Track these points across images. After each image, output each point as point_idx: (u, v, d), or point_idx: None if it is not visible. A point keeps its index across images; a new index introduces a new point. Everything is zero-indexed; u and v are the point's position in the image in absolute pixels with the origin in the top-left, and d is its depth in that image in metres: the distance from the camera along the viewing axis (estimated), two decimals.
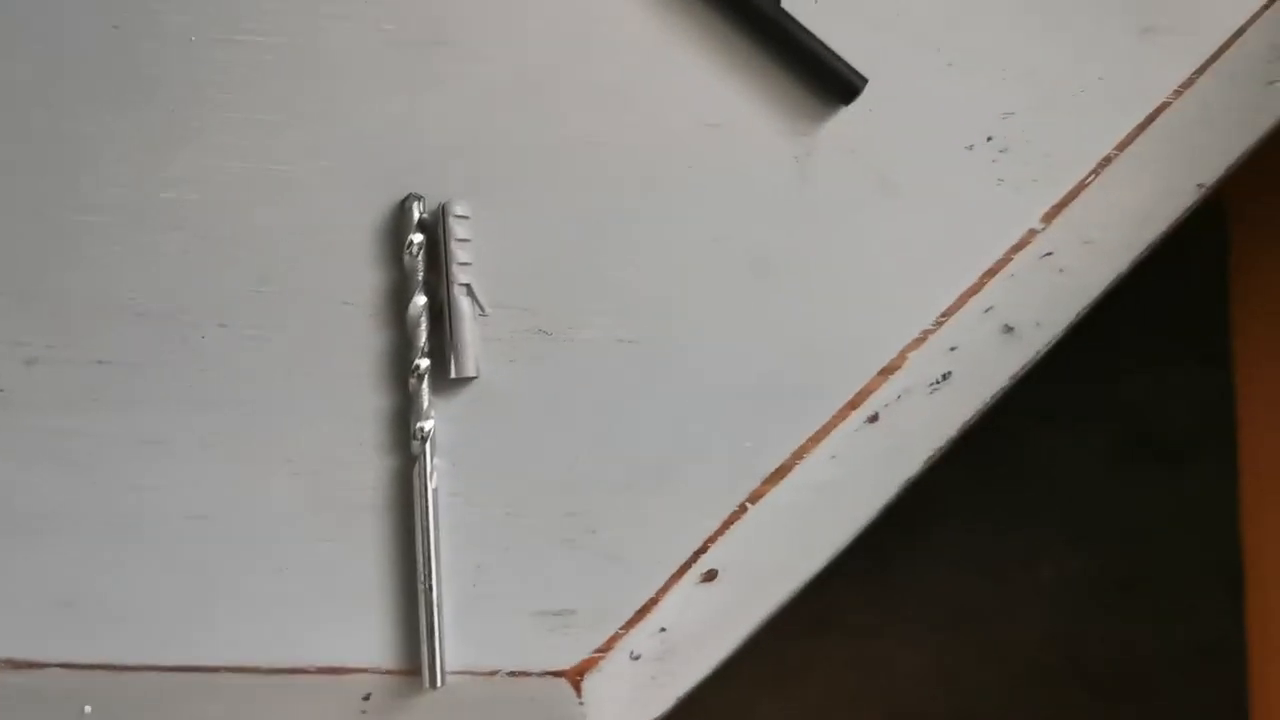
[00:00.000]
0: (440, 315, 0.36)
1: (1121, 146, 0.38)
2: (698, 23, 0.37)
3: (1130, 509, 1.10)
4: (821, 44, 0.37)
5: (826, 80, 0.37)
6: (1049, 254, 0.38)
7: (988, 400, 0.39)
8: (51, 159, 0.36)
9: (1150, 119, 0.38)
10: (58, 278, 0.36)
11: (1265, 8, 0.38)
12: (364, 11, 0.37)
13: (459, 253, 0.36)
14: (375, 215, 0.37)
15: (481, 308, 0.36)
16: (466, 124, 0.37)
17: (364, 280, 0.36)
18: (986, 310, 0.38)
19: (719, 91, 0.37)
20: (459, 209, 0.36)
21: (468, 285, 0.36)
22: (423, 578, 0.35)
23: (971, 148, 0.38)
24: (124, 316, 0.36)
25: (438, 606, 0.36)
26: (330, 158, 0.36)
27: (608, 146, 0.37)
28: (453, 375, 0.36)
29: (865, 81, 0.37)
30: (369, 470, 0.36)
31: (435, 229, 0.36)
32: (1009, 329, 0.38)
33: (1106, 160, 0.38)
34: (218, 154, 0.36)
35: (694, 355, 0.37)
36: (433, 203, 0.36)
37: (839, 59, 0.37)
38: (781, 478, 0.37)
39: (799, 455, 0.37)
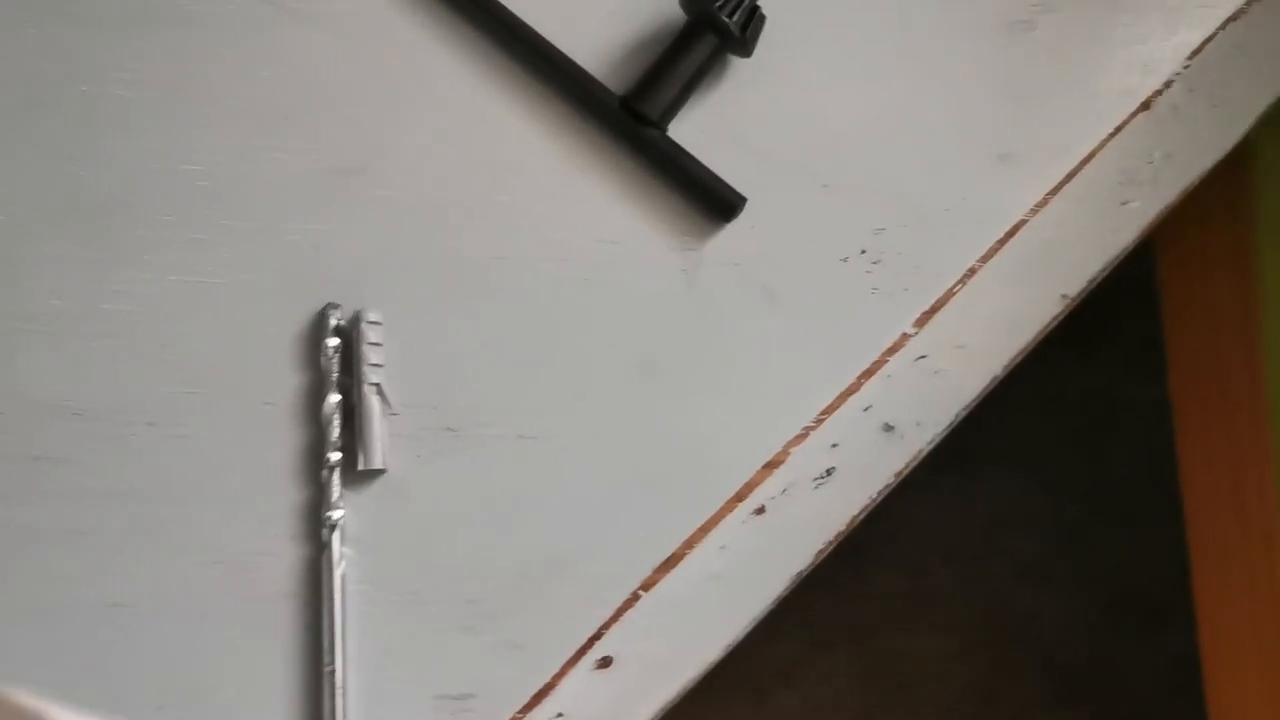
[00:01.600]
0: (352, 414, 0.39)
1: (985, 259, 0.42)
2: (595, 149, 0.41)
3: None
4: (705, 168, 0.41)
5: (710, 200, 0.41)
6: (923, 357, 0.41)
7: (873, 497, 0.41)
8: (1, 270, 0.39)
9: (1010, 234, 0.42)
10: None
11: (1111, 136, 0.42)
12: (289, 145, 0.41)
13: (370, 355, 0.39)
14: (296, 323, 0.40)
15: (390, 405, 0.39)
16: (381, 241, 0.40)
17: (284, 382, 0.39)
18: (865, 409, 0.41)
19: (613, 211, 0.41)
20: (372, 315, 0.39)
21: (378, 385, 0.39)
22: (328, 661, 0.37)
23: (846, 260, 0.41)
24: (60, 416, 0.39)
25: (342, 690, 0.37)
26: (256, 271, 0.40)
27: (510, 260, 0.41)
28: (361, 467, 0.38)
29: (744, 200, 0.40)
30: (283, 559, 0.38)
31: (350, 334, 0.39)
32: (889, 427, 0.41)
33: (972, 271, 0.42)
34: (155, 269, 0.40)
35: (590, 450, 0.40)
36: (349, 312, 0.40)
37: (721, 181, 0.40)
38: (673, 566, 0.39)
39: (689, 545, 0.40)
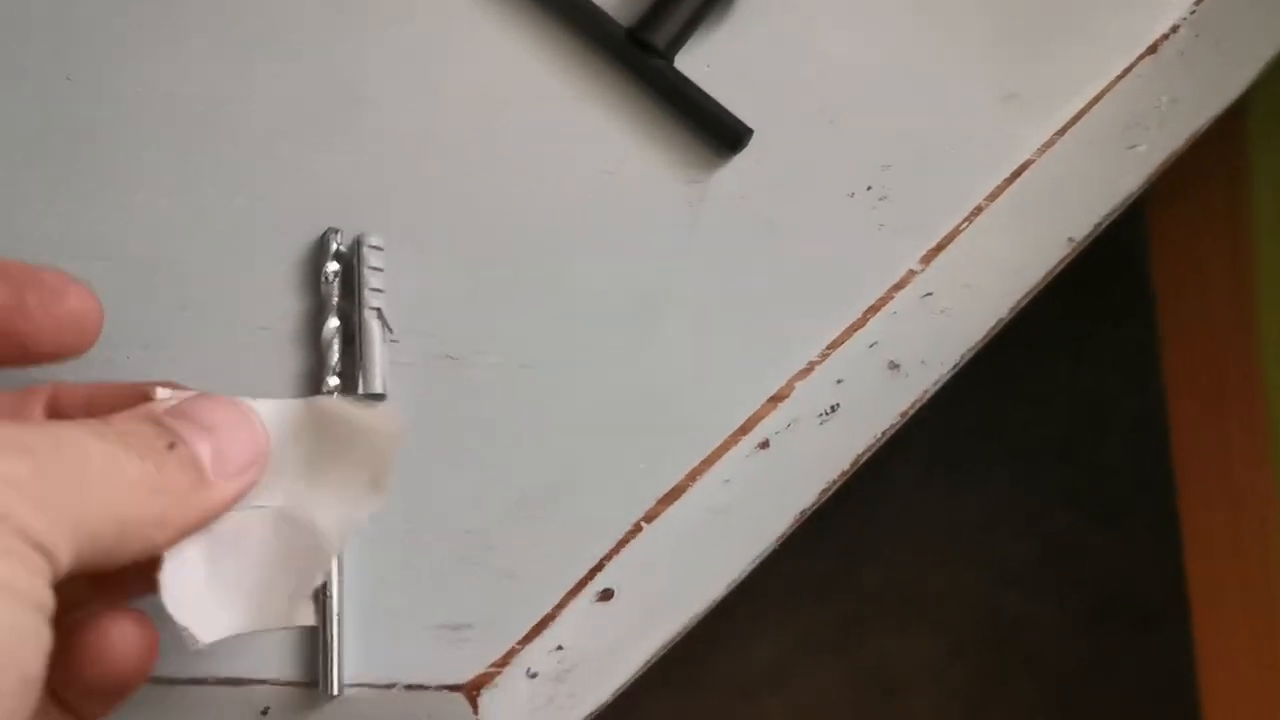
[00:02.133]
0: (352, 339, 0.38)
1: (991, 198, 0.41)
2: (599, 80, 0.41)
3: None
4: (712, 100, 0.40)
5: (717, 131, 0.40)
6: (929, 294, 0.41)
7: (878, 436, 0.41)
8: None
9: (1015, 175, 0.42)
10: None
11: (1117, 79, 0.42)
12: (292, 71, 0.40)
13: (371, 279, 0.38)
14: (294, 249, 0.39)
15: (390, 330, 0.38)
16: (382, 169, 0.40)
17: (281, 307, 0.39)
18: (871, 345, 0.40)
19: (618, 142, 0.41)
20: (373, 240, 0.39)
21: (378, 309, 0.38)
22: (322, 590, 0.36)
23: (853, 195, 0.41)
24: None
25: (337, 619, 0.36)
26: (253, 197, 0.39)
27: (511, 190, 0.40)
28: (360, 392, 0.38)
29: (751, 132, 0.40)
30: None
31: (350, 259, 0.39)
32: (894, 365, 0.41)
33: (978, 210, 0.41)
34: (148, 191, 0.39)
35: (591, 381, 0.39)
36: (349, 237, 0.39)
37: (727, 112, 0.40)
38: (676, 499, 0.39)
39: (692, 477, 0.39)
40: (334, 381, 0.38)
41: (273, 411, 0.32)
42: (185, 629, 0.29)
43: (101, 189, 0.39)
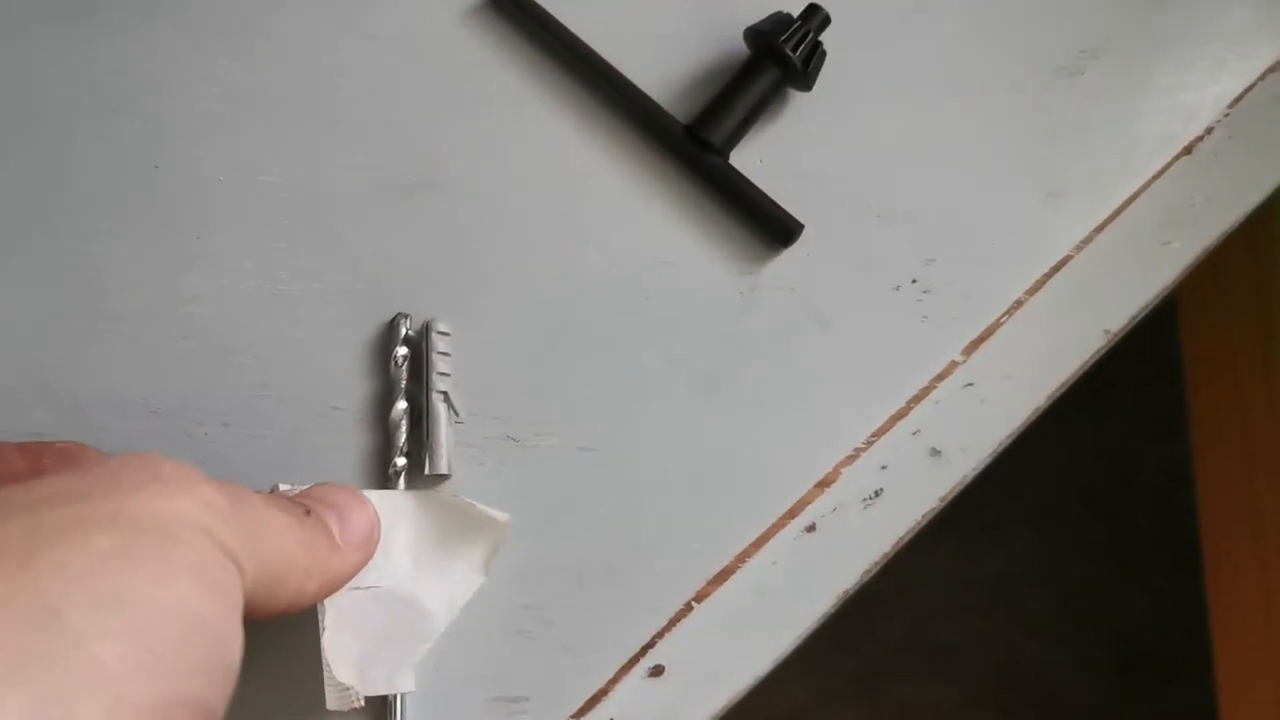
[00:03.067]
0: (419, 420, 0.40)
1: (1031, 292, 0.43)
2: (659, 174, 0.43)
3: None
4: (765, 195, 0.42)
5: (769, 226, 0.42)
6: (970, 384, 0.42)
7: (919, 520, 0.42)
8: (86, 271, 0.41)
9: (1055, 269, 0.43)
10: (79, 377, 0.40)
11: (1154, 179, 0.44)
12: (363, 160, 0.42)
13: (439, 364, 0.40)
14: (366, 331, 0.41)
15: (457, 413, 0.40)
16: (450, 254, 0.42)
17: (352, 387, 0.41)
18: (914, 433, 0.42)
19: (675, 233, 0.43)
20: (441, 326, 0.41)
21: (445, 393, 0.40)
22: None
23: (898, 288, 0.43)
24: (138, 413, 0.40)
25: (400, 699, 0.38)
26: (328, 281, 0.41)
27: (574, 278, 0.42)
28: (428, 472, 0.40)
29: (802, 227, 0.42)
30: None
31: (419, 344, 0.41)
32: (936, 452, 0.42)
33: (1018, 303, 0.43)
34: (230, 275, 0.41)
35: (646, 463, 0.41)
36: (418, 321, 0.41)
37: (780, 208, 0.42)
38: (725, 579, 0.40)
39: (741, 559, 0.41)
40: (401, 462, 0.39)
41: (379, 500, 0.36)
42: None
43: (188, 272, 0.41)
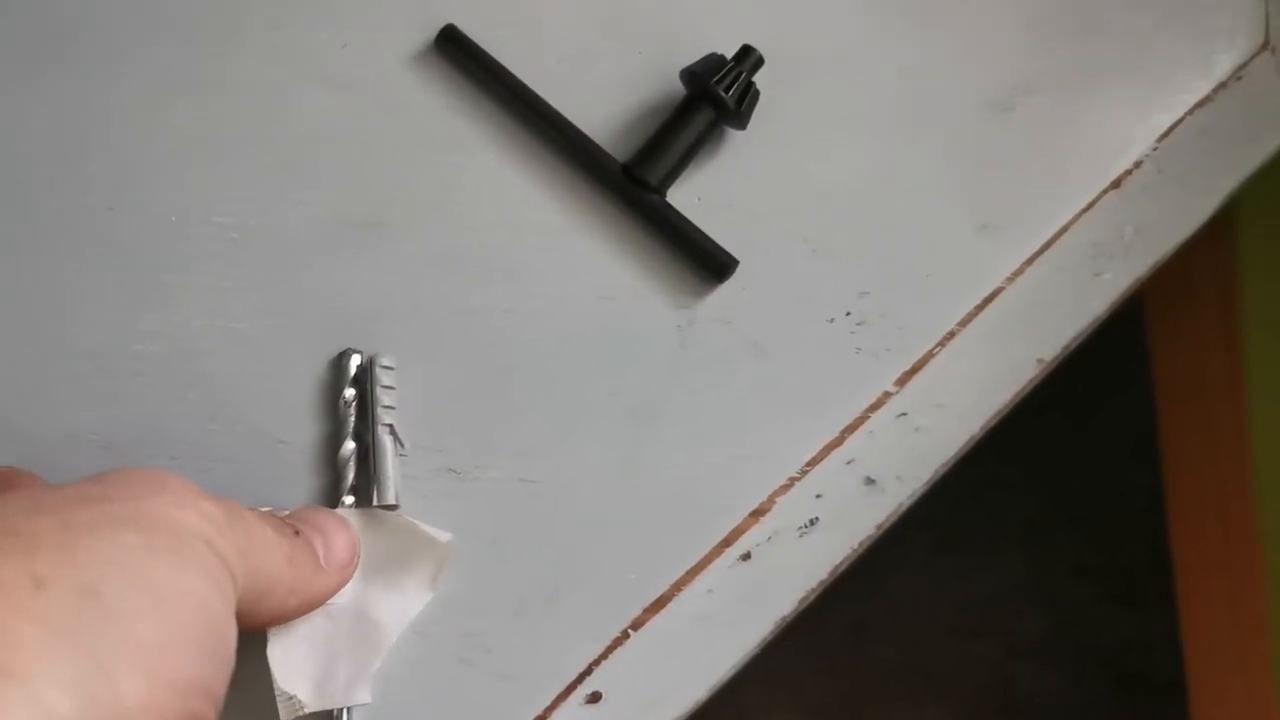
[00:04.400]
0: (366, 456, 0.41)
1: (964, 323, 0.44)
2: (598, 212, 0.44)
3: None
4: (701, 232, 0.43)
5: (705, 261, 0.43)
6: (904, 414, 0.43)
7: (855, 547, 0.43)
8: (39, 310, 0.42)
9: (987, 300, 0.44)
10: (34, 412, 0.41)
11: (1083, 211, 0.45)
12: (314, 200, 0.44)
13: (384, 397, 0.41)
14: (314, 367, 0.42)
15: (402, 445, 0.42)
16: (395, 291, 0.43)
17: (300, 423, 0.42)
18: (848, 462, 0.43)
19: (614, 269, 0.44)
20: (385, 360, 0.42)
21: (390, 425, 0.41)
22: None
23: (832, 321, 0.44)
24: (91, 448, 0.41)
25: (347, 713, 0.39)
26: (277, 318, 0.43)
27: (515, 313, 0.43)
28: (376, 503, 0.41)
29: (737, 262, 0.43)
30: None
31: (364, 378, 0.42)
32: (871, 481, 0.43)
33: (951, 334, 0.44)
34: (182, 313, 0.43)
35: (585, 494, 0.42)
36: (366, 355, 0.42)
37: (715, 244, 0.43)
38: (662, 607, 0.41)
39: (678, 587, 0.42)
40: (349, 499, 0.40)
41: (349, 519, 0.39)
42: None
43: (142, 310, 0.42)
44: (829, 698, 1.21)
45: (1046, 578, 1.23)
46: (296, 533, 0.35)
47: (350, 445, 0.41)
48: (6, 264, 0.43)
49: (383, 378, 0.42)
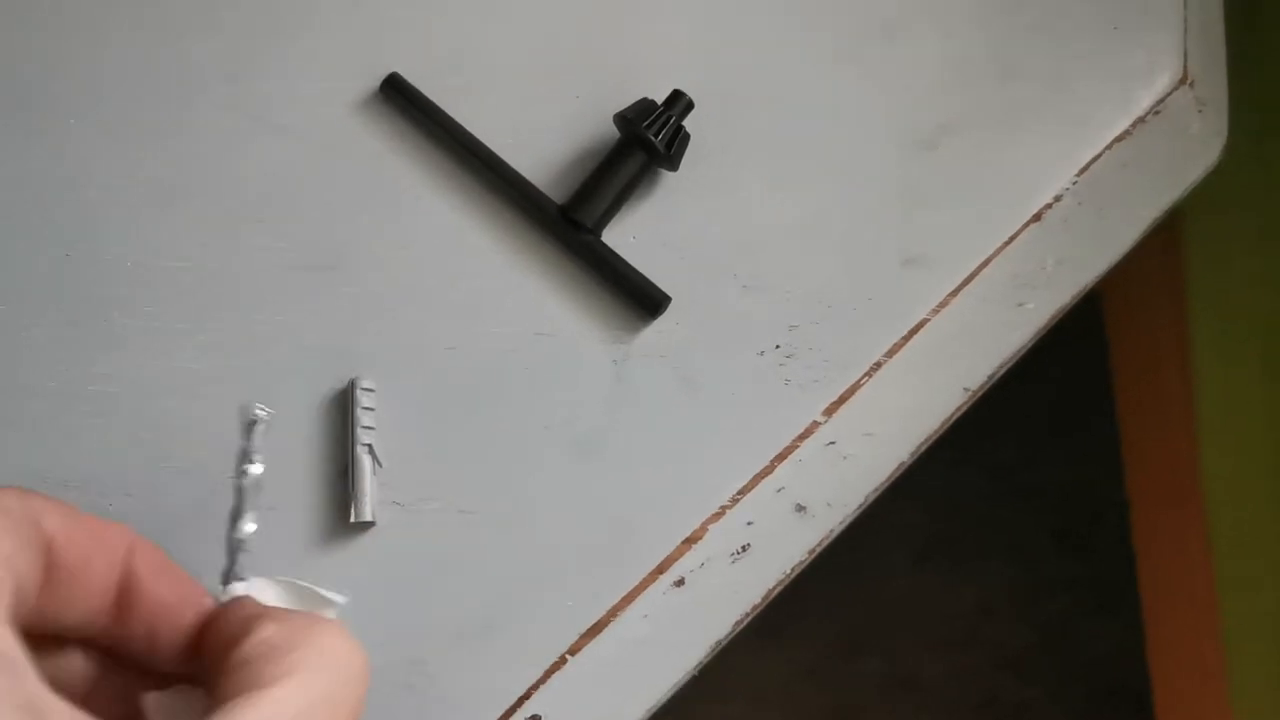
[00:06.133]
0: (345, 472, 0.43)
1: (890, 354, 0.46)
2: (537, 252, 0.46)
3: None
4: (635, 270, 0.45)
5: (639, 299, 0.45)
6: (832, 443, 0.45)
7: (788, 572, 0.45)
8: (0, 354, 0.44)
9: (913, 332, 0.46)
10: None
11: (1005, 244, 0.47)
12: (266, 243, 0.46)
13: (363, 418, 0.43)
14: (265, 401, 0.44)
15: (379, 463, 0.43)
16: (342, 331, 0.45)
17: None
18: (779, 490, 0.45)
19: (552, 307, 0.46)
20: (365, 383, 0.44)
21: (369, 445, 0.43)
22: None
23: (762, 353, 0.46)
24: (50, 487, 0.43)
25: None
26: (227, 358, 0.45)
27: (458, 349, 0.45)
28: (353, 519, 0.42)
29: (669, 299, 0.45)
30: None
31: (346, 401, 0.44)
32: (801, 508, 0.45)
33: (878, 365, 0.46)
34: (140, 355, 0.44)
35: (524, 524, 0.44)
36: (332, 388, 0.44)
37: (649, 282, 0.45)
38: (598, 633, 0.43)
39: (614, 613, 0.43)
40: (239, 585, 0.35)
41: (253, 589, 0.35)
42: None
43: (99, 352, 0.44)
44: (817, 710, 1.23)
45: (1030, 589, 1.24)
46: None
47: (249, 527, 0.36)
48: None
49: (362, 399, 0.44)
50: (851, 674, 1.23)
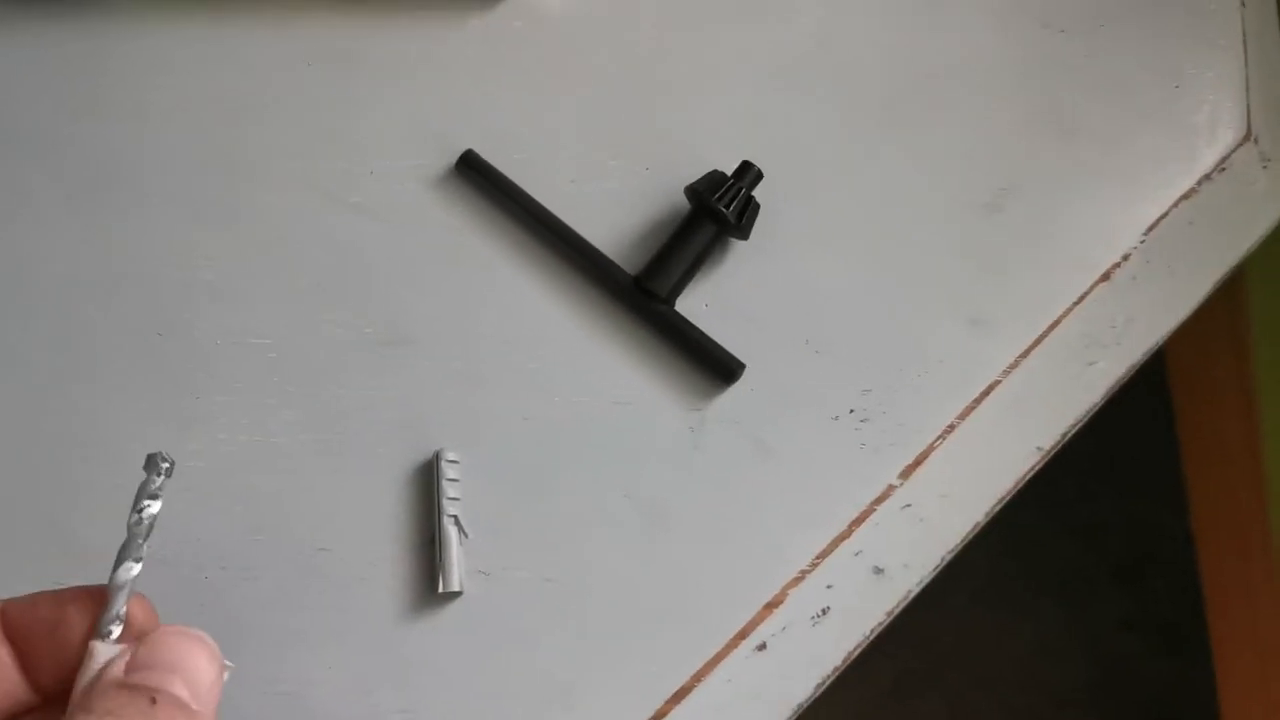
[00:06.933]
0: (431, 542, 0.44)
1: (962, 416, 0.46)
2: (612, 322, 0.47)
3: None
4: (709, 338, 0.46)
5: (714, 366, 0.46)
6: (908, 505, 0.46)
7: (867, 634, 0.45)
8: (96, 432, 0.45)
9: (984, 394, 0.46)
10: (93, 529, 0.44)
11: (1075, 304, 0.47)
12: (346, 319, 0.47)
13: (449, 489, 0.44)
14: (348, 476, 0.45)
15: (465, 534, 0.44)
16: (423, 403, 0.46)
17: (340, 531, 0.45)
18: (856, 553, 0.45)
19: (628, 376, 0.46)
20: (450, 455, 0.45)
21: (455, 516, 0.44)
22: None
23: (837, 418, 0.46)
24: (147, 561, 0.44)
25: None
26: (313, 432, 0.46)
27: (538, 421, 0.46)
28: (441, 590, 0.43)
29: (744, 366, 0.46)
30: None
31: (431, 471, 0.45)
32: (879, 570, 0.45)
33: (951, 427, 0.46)
34: (226, 430, 0.46)
35: (607, 591, 0.44)
36: (422, 458, 0.45)
37: (723, 349, 0.46)
38: (683, 698, 0.44)
39: (698, 678, 0.44)
40: (114, 630, 0.34)
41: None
42: None
43: (188, 429, 0.46)
44: None
45: (1085, 629, 1.23)
46: (153, 699, 0.30)
47: (132, 568, 0.36)
48: (65, 388, 0.46)
49: (447, 470, 0.45)
50: (908, 716, 1.23)
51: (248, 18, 0.50)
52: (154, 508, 0.36)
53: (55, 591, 0.34)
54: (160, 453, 0.36)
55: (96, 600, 0.34)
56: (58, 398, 0.46)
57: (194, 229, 0.48)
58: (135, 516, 0.36)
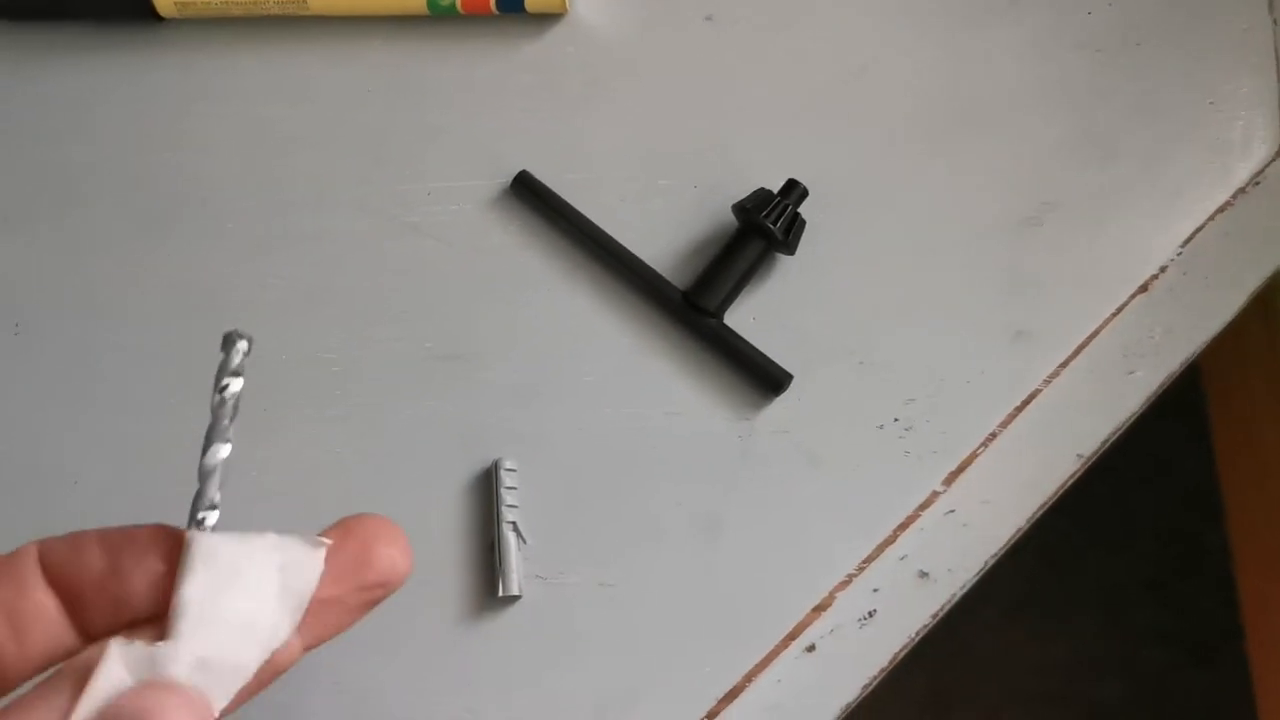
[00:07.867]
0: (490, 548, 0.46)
1: (1004, 424, 0.48)
2: (663, 336, 0.49)
3: None
4: (757, 351, 0.47)
5: (762, 378, 0.47)
6: (952, 511, 0.47)
7: (913, 636, 0.46)
8: (174, 448, 0.47)
9: (1025, 403, 0.48)
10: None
11: (1113, 315, 0.49)
12: (406, 335, 0.49)
13: (507, 497, 0.46)
14: (405, 486, 0.47)
15: (524, 539, 0.46)
16: (482, 416, 0.48)
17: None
18: (902, 558, 0.47)
19: (678, 388, 0.48)
20: (509, 464, 0.47)
21: (514, 522, 0.46)
22: None
23: (882, 427, 0.48)
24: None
25: None
26: (380, 442, 0.48)
27: (591, 431, 0.48)
28: (500, 594, 0.45)
29: (791, 377, 0.47)
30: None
31: (490, 480, 0.47)
32: (924, 574, 0.47)
33: (993, 435, 0.47)
34: (295, 444, 0.48)
35: (660, 595, 0.46)
36: (478, 470, 0.47)
37: (771, 361, 0.47)
38: (734, 698, 0.45)
39: (749, 678, 0.45)
40: (211, 516, 0.33)
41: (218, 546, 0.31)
42: None
43: (257, 442, 0.47)
44: None
45: (1122, 641, 1.24)
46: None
47: (220, 450, 0.34)
48: (144, 406, 0.48)
49: (506, 479, 0.46)
50: None
51: (315, 46, 0.53)
52: (236, 385, 0.33)
53: (102, 533, 0.30)
54: (236, 330, 0.34)
55: (153, 544, 0.30)
56: (134, 418, 0.48)
57: (260, 252, 0.50)
58: (218, 397, 0.33)
